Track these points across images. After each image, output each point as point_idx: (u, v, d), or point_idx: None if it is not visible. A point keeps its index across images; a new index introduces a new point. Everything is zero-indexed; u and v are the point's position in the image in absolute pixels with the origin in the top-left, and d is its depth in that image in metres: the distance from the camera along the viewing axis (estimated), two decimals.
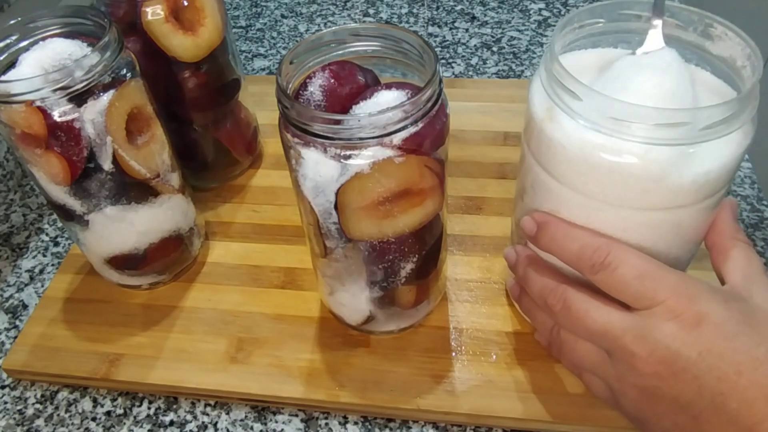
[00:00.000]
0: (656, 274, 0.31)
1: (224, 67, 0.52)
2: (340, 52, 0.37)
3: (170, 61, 0.47)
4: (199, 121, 0.53)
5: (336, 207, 0.34)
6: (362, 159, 0.32)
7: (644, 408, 0.32)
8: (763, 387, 0.28)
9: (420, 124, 0.32)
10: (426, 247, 0.38)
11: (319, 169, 0.33)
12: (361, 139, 0.31)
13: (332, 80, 0.35)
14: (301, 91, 0.36)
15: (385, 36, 0.36)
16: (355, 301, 0.41)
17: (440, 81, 0.34)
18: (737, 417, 0.28)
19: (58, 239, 0.57)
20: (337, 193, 0.33)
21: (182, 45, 0.46)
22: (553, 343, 0.37)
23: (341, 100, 0.35)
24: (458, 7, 0.81)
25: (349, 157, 0.32)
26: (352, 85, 0.36)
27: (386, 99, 0.35)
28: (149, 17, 0.44)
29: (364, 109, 0.35)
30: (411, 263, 0.38)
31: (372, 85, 0.36)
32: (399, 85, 0.35)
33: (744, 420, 0.28)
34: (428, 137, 0.33)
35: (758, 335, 0.29)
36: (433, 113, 0.33)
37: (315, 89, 0.35)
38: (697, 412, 0.30)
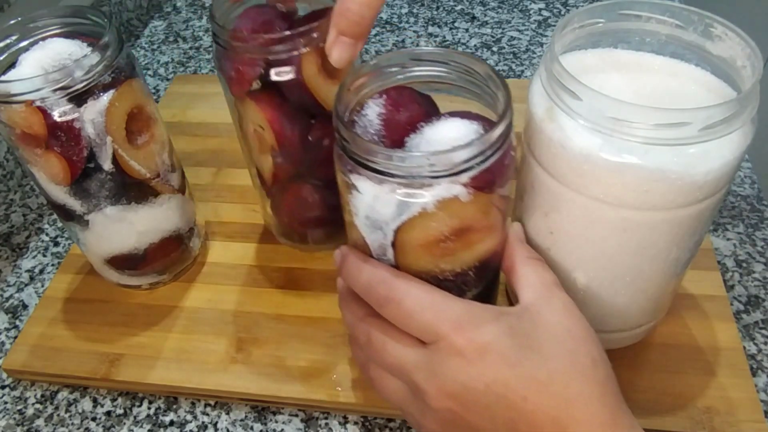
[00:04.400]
0: (438, 306, 0.30)
1: None
2: (401, 77, 0.34)
3: (309, 117, 0.42)
4: (325, 178, 0.46)
5: (393, 244, 0.32)
6: (427, 198, 0.29)
7: None
8: (548, 409, 0.29)
9: (490, 161, 0.30)
10: (484, 282, 0.36)
11: (377, 204, 0.30)
12: (429, 177, 0.29)
13: (391, 108, 0.33)
14: (356, 119, 0.33)
15: (450, 62, 0.34)
16: None
17: (512, 112, 0.31)
18: None
19: (58, 239, 0.57)
20: (396, 231, 0.31)
21: (333, 94, 0.41)
22: (367, 376, 0.35)
23: (399, 129, 0.33)
24: (458, 7, 0.81)
25: (412, 194, 0.30)
26: (411, 112, 0.33)
27: (450, 130, 0.32)
28: (309, 71, 0.39)
29: (425, 139, 0.32)
30: (468, 296, 0.35)
31: (430, 111, 0.34)
32: (463, 114, 0.33)
33: None
34: (498, 174, 0.31)
35: (541, 357, 0.29)
36: (504, 149, 0.31)
37: (373, 117, 0.33)
38: None
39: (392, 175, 0.29)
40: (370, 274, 0.32)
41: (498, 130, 0.30)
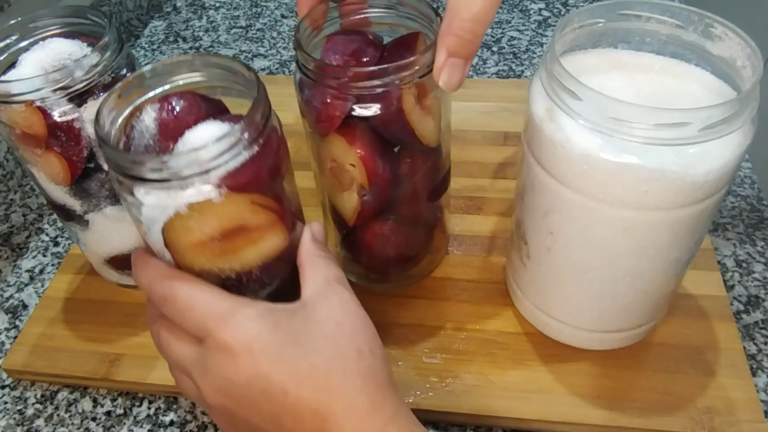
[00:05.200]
0: (206, 304, 0.30)
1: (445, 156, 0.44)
2: (167, 86, 0.33)
3: (396, 152, 0.40)
4: (409, 214, 0.45)
5: (166, 245, 0.32)
6: (179, 200, 0.29)
7: None
8: (309, 402, 0.29)
9: (238, 160, 0.29)
10: (277, 280, 0.35)
11: (144, 207, 0.30)
12: (178, 179, 0.29)
13: (165, 113, 0.32)
14: (134, 124, 0.32)
15: (212, 65, 0.34)
16: None
17: (267, 111, 0.31)
18: None
19: (58, 239, 0.57)
20: (163, 232, 0.31)
21: (429, 128, 0.39)
22: (173, 375, 0.35)
23: (174, 134, 0.32)
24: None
25: (166, 197, 0.30)
26: (186, 117, 0.32)
27: (205, 132, 0.31)
28: (409, 104, 0.36)
29: (184, 143, 0.32)
30: (262, 295, 0.35)
31: (211, 115, 0.33)
32: (230, 118, 0.32)
33: None
34: (253, 173, 0.30)
35: (305, 351, 0.30)
36: (256, 148, 0.30)
37: (150, 123, 0.32)
38: None
39: (145, 180, 0.29)
40: (151, 275, 0.32)
41: (238, 130, 0.29)
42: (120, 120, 0.32)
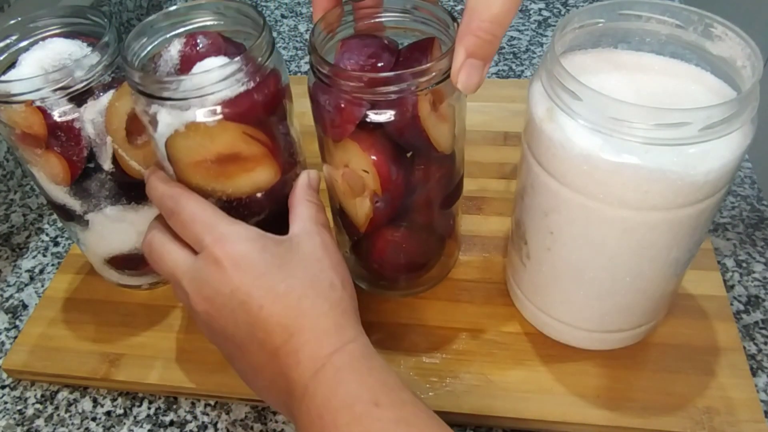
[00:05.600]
0: (208, 221, 0.34)
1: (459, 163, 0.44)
2: (194, 26, 0.38)
3: (409, 159, 0.40)
4: (421, 221, 0.45)
5: (169, 160, 0.36)
6: (180, 118, 0.34)
7: (212, 340, 0.37)
8: (280, 317, 0.33)
9: (233, 90, 0.33)
10: (266, 211, 0.39)
11: (160, 124, 0.35)
12: (179, 99, 0.33)
13: (188, 47, 0.37)
14: (162, 53, 0.37)
15: (229, 8, 0.38)
16: None
17: (268, 51, 0.35)
18: (264, 343, 0.33)
19: (58, 239, 0.57)
20: (166, 147, 0.36)
21: (444, 135, 0.38)
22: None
23: (190, 65, 0.36)
24: (458, 7, 0.81)
25: (170, 114, 0.34)
26: (205, 51, 0.37)
27: (209, 63, 0.36)
28: (425, 110, 0.36)
29: (192, 71, 0.36)
30: (252, 222, 0.38)
31: (229, 53, 0.37)
32: (237, 54, 0.36)
33: (268, 346, 0.33)
34: (247, 104, 0.34)
35: (285, 275, 0.33)
36: (252, 83, 0.34)
37: (174, 53, 0.37)
38: (239, 342, 0.34)
39: (154, 97, 0.34)
40: (163, 189, 0.36)
41: (237, 63, 0.33)
42: (148, 48, 0.37)
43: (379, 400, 0.31)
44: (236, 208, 0.37)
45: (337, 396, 0.31)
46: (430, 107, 0.36)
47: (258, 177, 0.37)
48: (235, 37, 0.38)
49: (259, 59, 0.34)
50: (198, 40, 0.37)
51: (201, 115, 0.34)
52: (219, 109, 0.34)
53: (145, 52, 0.37)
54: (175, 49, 0.37)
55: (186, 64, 0.36)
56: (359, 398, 0.31)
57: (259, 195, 0.38)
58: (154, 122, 0.35)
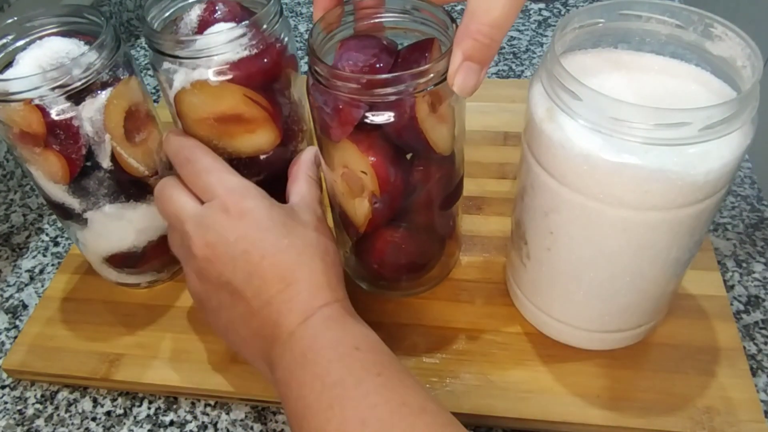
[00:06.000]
0: (220, 174, 0.37)
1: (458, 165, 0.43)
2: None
3: (408, 160, 0.40)
4: (421, 222, 0.44)
5: (178, 114, 0.39)
6: (185, 75, 0.37)
7: (199, 289, 0.38)
8: (278, 269, 0.35)
9: (238, 54, 0.37)
10: (264, 174, 0.42)
11: (174, 81, 0.38)
12: (187, 58, 0.36)
13: (206, 13, 0.40)
14: (183, 16, 0.41)
15: None
16: None
17: (274, 20, 0.38)
18: (260, 291, 0.35)
19: (58, 239, 0.57)
20: (174, 103, 0.39)
21: (442, 136, 0.38)
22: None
23: (206, 28, 0.39)
24: (458, 7, 0.81)
25: (178, 71, 0.38)
26: (225, 19, 0.40)
27: (221, 27, 0.38)
28: (423, 112, 0.36)
29: (205, 34, 0.39)
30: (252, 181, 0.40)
31: (240, 19, 0.40)
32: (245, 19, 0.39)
33: (264, 294, 0.35)
34: (249, 69, 0.37)
35: (287, 232, 0.36)
36: (255, 50, 0.37)
37: (194, 17, 0.40)
38: (233, 289, 0.35)
39: (166, 55, 0.37)
40: (180, 141, 0.39)
41: (242, 28, 0.37)
42: (169, 12, 0.41)
43: (360, 346, 0.33)
44: (236, 167, 0.39)
45: (324, 338, 0.34)
46: (429, 108, 0.36)
47: (259, 139, 0.40)
48: (254, 8, 0.41)
49: (264, 26, 0.37)
50: (217, 7, 0.40)
51: (206, 74, 0.37)
52: (223, 70, 0.37)
53: (168, 14, 0.41)
54: (195, 14, 0.40)
55: (202, 28, 0.40)
56: (342, 342, 0.33)
57: (262, 157, 0.41)
58: (170, 82, 0.38)
